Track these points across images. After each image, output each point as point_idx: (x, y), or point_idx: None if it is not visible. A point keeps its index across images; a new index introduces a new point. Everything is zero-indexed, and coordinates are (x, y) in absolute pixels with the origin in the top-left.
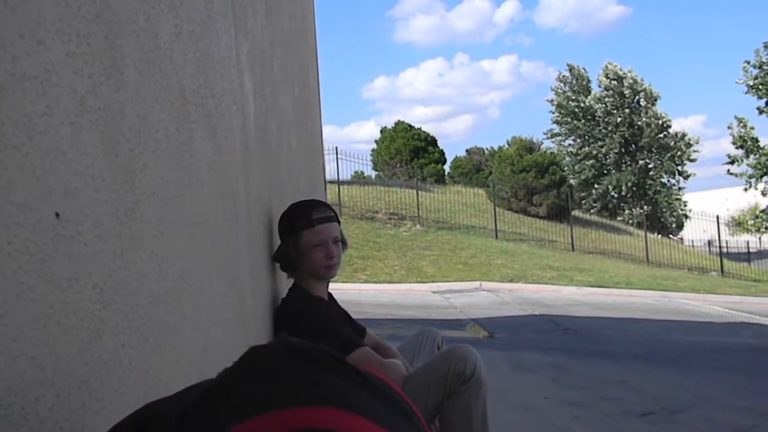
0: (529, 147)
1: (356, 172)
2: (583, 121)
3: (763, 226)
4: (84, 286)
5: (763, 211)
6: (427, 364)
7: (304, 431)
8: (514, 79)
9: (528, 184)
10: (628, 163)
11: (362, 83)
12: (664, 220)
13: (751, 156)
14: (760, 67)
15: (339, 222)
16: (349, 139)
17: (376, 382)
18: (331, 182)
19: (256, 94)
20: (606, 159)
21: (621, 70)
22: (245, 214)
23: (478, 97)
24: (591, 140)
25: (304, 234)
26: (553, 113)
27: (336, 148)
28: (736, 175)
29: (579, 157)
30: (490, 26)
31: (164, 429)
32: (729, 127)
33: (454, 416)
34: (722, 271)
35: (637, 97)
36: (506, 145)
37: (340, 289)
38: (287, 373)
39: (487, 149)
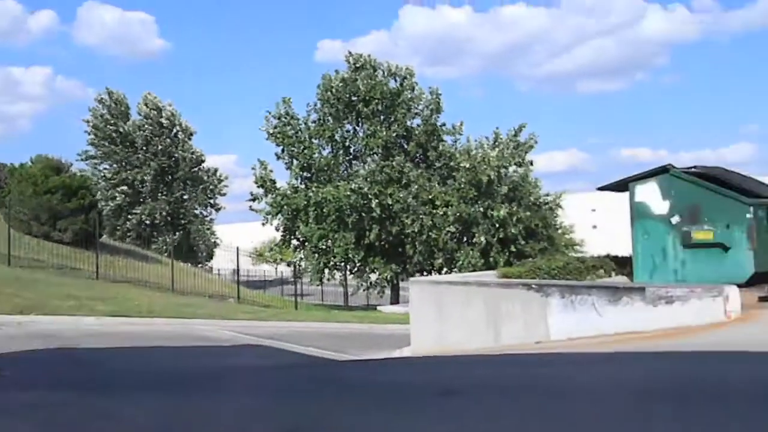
0: (57, 167)
1: None
2: (120, 146)
3: (278, 257)
4: None
5: (276, 244)
6: None
7: None
8: (48, 92)
9: (53, 206)
10: (164, 193)
11: None
12: (197, 248)
13: (269, 195)
14: (279, 119)
15: None
16: None
17: None
18: None
19: None
20: (142, 187)
21: (161, 102)
22: None
23: (5, 105)
24: (128, 167)
25: None
26: (90, 135)
27: None
28: (256, 211)
29: (114, 182)
30: (24, 32)
31: None
32: (253, 168)
33: None
34: (239, 297)
35: (175, 130)
36: (30, 163)
37: None
38: None
39: (8, 165)
